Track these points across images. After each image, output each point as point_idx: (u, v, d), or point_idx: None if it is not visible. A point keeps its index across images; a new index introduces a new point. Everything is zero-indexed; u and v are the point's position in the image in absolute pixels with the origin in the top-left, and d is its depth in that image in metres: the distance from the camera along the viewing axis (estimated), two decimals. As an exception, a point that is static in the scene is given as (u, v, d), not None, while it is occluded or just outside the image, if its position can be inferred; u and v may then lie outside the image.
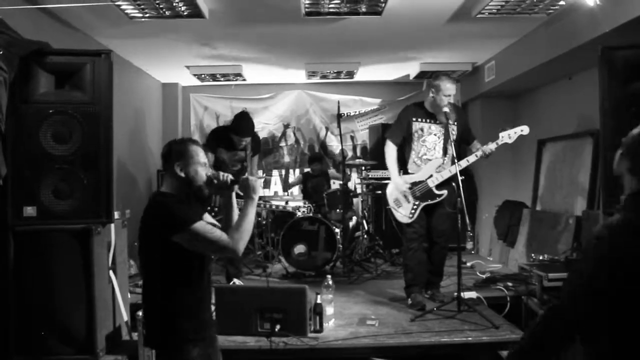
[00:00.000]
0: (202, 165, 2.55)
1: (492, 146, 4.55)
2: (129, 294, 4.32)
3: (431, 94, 4.72)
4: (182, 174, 2.50)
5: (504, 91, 6.97)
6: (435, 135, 4.78)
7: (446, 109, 4.56)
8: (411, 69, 7.37)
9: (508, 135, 4.55)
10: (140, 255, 2.51)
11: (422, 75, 7.20)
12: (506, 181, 7.37)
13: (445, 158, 4.77)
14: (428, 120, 4.78)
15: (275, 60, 6.83)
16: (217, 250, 2.44)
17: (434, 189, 4.71)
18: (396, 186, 4.80)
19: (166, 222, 2.35)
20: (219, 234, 2.40)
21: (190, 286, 2.45)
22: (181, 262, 2.39)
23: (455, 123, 4.76)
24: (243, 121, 5.63)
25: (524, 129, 4.55)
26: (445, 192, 4.69)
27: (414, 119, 4.80)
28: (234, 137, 5.54)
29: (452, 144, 4.59)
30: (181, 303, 2.42)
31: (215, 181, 2.55)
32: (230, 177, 2.57)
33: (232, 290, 4.32)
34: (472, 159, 4.62)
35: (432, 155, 4.79)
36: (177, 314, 2.41)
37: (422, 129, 4.78)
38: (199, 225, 2.35)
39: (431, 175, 4.73)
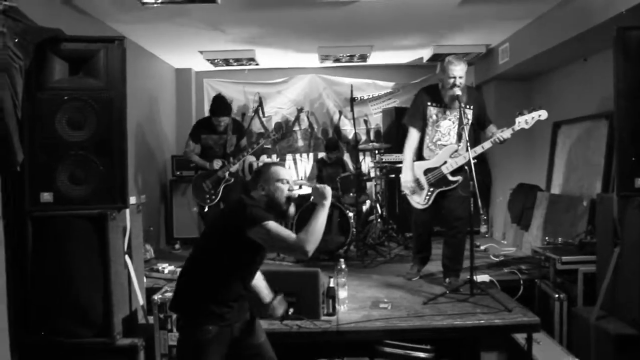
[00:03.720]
0: (282, 182, 2.82)
1: (507, 133, 4.47)
2: (144, 279, 4.38)
3: (441, 77, 4.71)
4: (263, 193, 2.80)
5: (519, 73, 6.90)
6: (449, 120, 4.74)
7: (457, 92, 4.48)
8: (424, 52, 7.32)
9: (525, 121, 4.45)
10: (203, 239, 2.84)
11: (435, 57, 7.14)
12: (520, 164, 7.32)
13: (460, 144, 4.73)
14: (443, 105, 4.74)
15: (288, 44, 6.81)
16: (288, 249, 2.61)
17: (448, 176, 4.69)
18: (411, 173, 4.79)
19: (245, 218, 2.59)
20: (291, 234, 2.60)
21: (234, 280, 2.69)
22: (237, 258, 2.66)
23: (471, 107, 4.69)
24: (216, 101, 5.90)
25: (542, 114, 4.43)
26: (459, 178, 4.67)
27: (428, 103, 4.76)
28: (213, 120, 5.80)
29: (467, 128, 4.51)
30: (219, 290, 2.64)
31: (293, 198, 2.85)
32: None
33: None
34: (487, 145, 4.56)
35: (446, 141, 4.76)
36: (211, 297, 2.64)
37: (436, 114, 4.75)
38: (273, 224, 2.58)
39: (445, 162, 4.70)
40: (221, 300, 2.65)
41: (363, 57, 7.43)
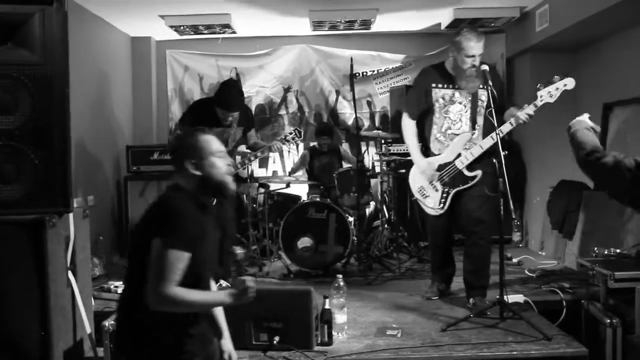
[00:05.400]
0: (218, 155, 2.72)
1: (530, 110, 4.51)
2: (92, 300, 4.36)
3: (451, 54, 4.73)
4: (198, 172, 2.67)
5: (560, 43, 6.90)
6: (460, 103, 4.78)
7: (485, 67, 4.53)
8: (443, 17, 7.33)
9: (549, 94, 4.48)
10: (129, 255, 2.71)
11: (456, 23, 7.14)
12: (562, 157, 7.29)
13: (475, 131, 4.77)
14: (451, 86, 4.77)
15: (273, 6, 6.80)
16: (151, 282, 2.47)
17: (464, 171, 4.72)
18: (420, 170, 4.83)
19: (160, 221, 2.54)
20: (174, 277, 2.47)
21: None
22: None
23: (485, 87, 4.66)
24: (230, 92, 5.61)
25: (568, 83, 4.46)
26: (478, 172, 4.70)
27: (433, 85, 4.80)
28: (219, 111, 5.53)
29: (483, 112, 4.57)
30: (159, 313, 2.51)
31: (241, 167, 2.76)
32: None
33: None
34: (506, 128, 4.57)
35: (458, 129, 4.79)
36: (154, 325, 2.54)
37: (444, 97, 4.79)
38: (175, 255, 2.48)
39: (459, 155, 4.73)
40: (175, 329, 2.58)
41: (366, 24, 7.42)
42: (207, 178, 2.68)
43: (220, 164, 2.71)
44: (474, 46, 4.55)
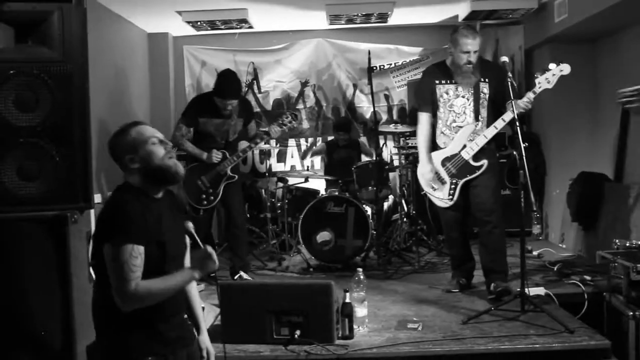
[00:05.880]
0: (152, 143, 2.66)
1: (529, 95, 4.65)
2: (114, 295, 4.38)
3: (450, 50, 4.93)
4: (138, 165, 2.62)
5: (579, 34, 6.84)
6: (463, 97, 4.92)
7: (504, 58, 4.71)
8: (460, 9, 7.28)
9: (546, 80, 4.65)
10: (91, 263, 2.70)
11: (473, 15, 7.11)
12: (583, 148, 7.28)
13: (478, 123, 4.89)
14: (453, 81, 4.93)
15: (289, 1, 6.79)
16: (114, 287, 2.44)
17: (470, 161, 4.83)
18: (422, 173, 5.00)
19: (104, 225, 2.53)
20: (134, 274, 2.42)
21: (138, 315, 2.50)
22: None
23: (486, 80, 4.90)
24: (225, 80, 5.72)
25: (564, 69, 4.66)
26: (484, 162, 4.81)
27: (437, 82, 4.96)
28: (217, 100, 5.61)
29: (485, 104, 4.79)
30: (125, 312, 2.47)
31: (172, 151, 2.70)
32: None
33: (241, 289, 4.36)
34: (508, 116, 4.67)
35: (462, 121, 4.92)
36: (121, 325, 2.50)
37: (447, 92, 4.95)
38: (127, 251, 2.42)
39: (464, 146, 4.85)
40: (151, 314, 2.50)
41: (383, 17, 7.39)
42: (146, 168, 2.62)
43: (156, 150, 2.65)
44: (470, 43, 4.74)
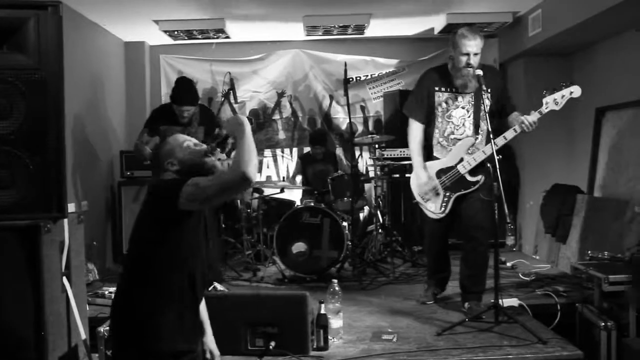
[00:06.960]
0: (188, 146, 2.85)
1: (534, 117, 4.49)
2: (87, 306, 4.34)
3: (450, 53, 4.72)
4: (176, 167, 2.81)
5: (553, 48, 6.93)
6: (463, 108, 4.76)
7: (479, 72, 4.47)
8: (436, 22, 7.34)
9: (554, 101, 4.49)
10: (128, 254, 2.80)
11: (449, 28, 7.14)
12: (556, 161, 7.35)
13: (478, 136, 4.76)
14: (454, 90, 4.75)
15: (267, 12, 6.80)
16: (227, 182, 2.56)
17: (466, 176, 4.71)
18: (418, 182, 4.81)
19: (167, 189, 2.64)
20: (221, 167, 2.70)
21: (173, 299, 2.63)
22: (170, 271, 2.63)
23: (488, 90, 4.67)
24: (179, 86, 5.79)
25: (574, 91, 4.48)
26: (481, 177, 4.69)
27: (436, 89, 4.78)
28: (174, 108, 5.69)
29: (486, 117, 4.50)
30: (160, 319, 2.57)
31: (214, 144, 2.87)
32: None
33: (215, 300, 4.32)
34: (510, 134, 4.57)
35: (461, 134, 4.78)
36: (154, 333, 2.57)
37: (447, 102, 4.77)
38: (197, 177, 2.61)
39: (462, 159, 4.72)
40: (168, 334, 2.58)
41: (359, 29, 7.42)
42: (189, 164, 2.81)
43: (194, 148, 2.85)
44: (469, 44, 4.52)
